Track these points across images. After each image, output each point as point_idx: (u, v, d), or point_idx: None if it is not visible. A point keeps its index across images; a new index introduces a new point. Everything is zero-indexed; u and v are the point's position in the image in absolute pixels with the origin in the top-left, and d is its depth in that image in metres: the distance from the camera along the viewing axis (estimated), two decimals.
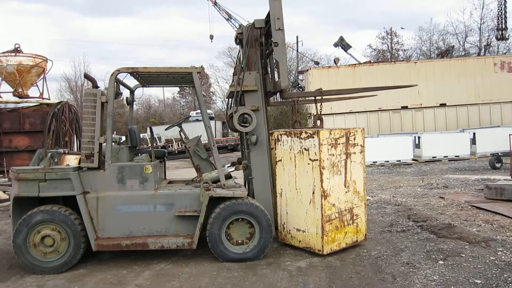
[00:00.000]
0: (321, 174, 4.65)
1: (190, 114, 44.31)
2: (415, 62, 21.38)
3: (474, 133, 17.05)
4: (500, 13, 16.13)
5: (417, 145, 16.81)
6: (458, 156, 16.29)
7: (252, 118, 5.09)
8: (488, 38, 30.84)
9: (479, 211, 6.67)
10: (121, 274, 4.45)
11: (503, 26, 15.98)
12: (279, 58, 4.90)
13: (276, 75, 5.56)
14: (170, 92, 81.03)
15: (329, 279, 4.06)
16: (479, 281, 3.78)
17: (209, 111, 46.40)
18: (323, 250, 4.68)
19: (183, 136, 5.82)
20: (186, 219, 4.82)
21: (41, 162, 4.98)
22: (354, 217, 5.04)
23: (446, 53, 23.93)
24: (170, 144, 32.43)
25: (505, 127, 18.16)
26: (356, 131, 5.07)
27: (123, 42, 74.28)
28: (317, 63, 37.79)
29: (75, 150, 12.93)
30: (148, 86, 5.96)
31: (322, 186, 4.66)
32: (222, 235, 4.72)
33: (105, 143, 4.74)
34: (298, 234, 5.00)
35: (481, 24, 31.84)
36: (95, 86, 4.87)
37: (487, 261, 4.31)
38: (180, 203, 4.82)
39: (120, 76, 4.94)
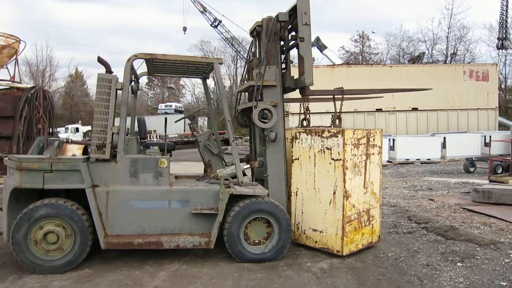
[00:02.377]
0: (344, 174, 4.58)
1: (159, 106, 43.23)
2: (391, 66, 22.05)
3: (444, 138, 17.83)
4: (501, 22, 16.84)
5: (391, 147, 17.32)
6: (429, 159, 16.98)
7: (272, 114, 4.92)
8: (454, 47, 32.50)
9: (472, 213, 6.91)
10: (134, 275, 4.15)
11: (504, 36, 16.69)
12: (304, 53, 4.76)
13: (288, 71, 5.39)
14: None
15: (357, 281, 4.00)
16: (504, 283, 3.88)
17: (178, 105, 45.66)
18: (342, 251, 4.62)
19: (193, 129, 5.54)
20: (202, 217, 4.57)
21: (46, 151, 4.54)
22: (371, 218, 5.03)
23: (417, 59, 24.88)
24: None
25: (472, 133, 19.21)
26: (376, 132, 5.05)
27: (88, 28, 70.97)
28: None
29: None
30: (156, 75, 5.62)
31: (344, 186, 4.59)
32: (241, 234, 4.53)
33: (117, 134, 4.39)
34: (314, 235, 4.91)
35: (448, 33, 33.45)
36: (108, 71, 4.49)
37: (503, 263, 4.44)
38: (196, 200, 4.57)
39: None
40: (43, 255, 4.17)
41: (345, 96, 5.20)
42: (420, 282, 3.98)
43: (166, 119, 5.00)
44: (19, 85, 11.96)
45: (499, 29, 17.01)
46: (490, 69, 20.38)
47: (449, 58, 31.92)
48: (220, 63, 4.73)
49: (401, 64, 27.53)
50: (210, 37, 63.68)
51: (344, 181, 4.59)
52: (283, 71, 5.26)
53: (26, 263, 4.12)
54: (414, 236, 5.59)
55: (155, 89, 52.04)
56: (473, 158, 13.48)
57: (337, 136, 4.64)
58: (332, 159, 4.69)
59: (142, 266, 4.39)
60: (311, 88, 4.94)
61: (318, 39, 27.80)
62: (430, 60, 31.33)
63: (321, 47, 28.03)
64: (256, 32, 5.37)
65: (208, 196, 4.60)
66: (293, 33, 5.14)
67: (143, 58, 4.52)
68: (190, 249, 4.66)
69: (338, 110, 5.19)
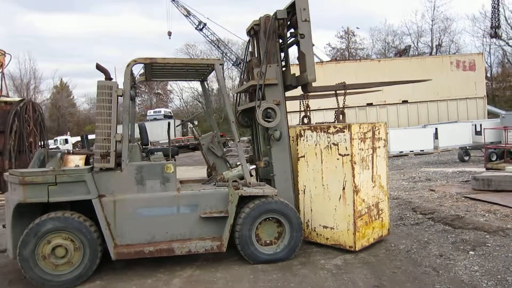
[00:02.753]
0: (353, 169, 4.57)
1: (148, 113, 42.83)
2: (379, 60, 22.23)
3: (436, 129, 18.05)
4: (493, 11, 17.05)
5: None
6: (423, 150, 17.16)
7: (276, 113, 4.88)
8: (439, 39, 32.96)
9: (475, 202, 6.97)
10: (147, 284, 4.06)
11: (497, 24, 16.89)
12: (305, 50, 4.74)
13: (288, 68, 5.36)
14: None
15: (374, 275, 3.98)
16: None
17: (167, 110, 45.32)
18: (355, 247, 4.60)
19: (195, 132, 5.46)
20: (211, 220, 4.50)
21: (48, 163, 4.42)
22: (380, 212, 5.02)
23: (403, 52, 25.13)
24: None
25: (462, 122, 19.46)
26: (380, 125, 5.04)
27: (70, 39, 70.08)
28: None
29: None
30: (154, 80, 5.53)
31: (354, 181, 4.57)
32: (252, 236, 4.47)
33: (121, 141, 4.30)
34: (325, 232, 4.88)
35: (432, 25, 33.89)
36: (108, 78, 4.40)
37: None
38: (205, 204, 4.50)
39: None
40: (52, 270, 4.05)
41: (347, 91, 5.19)
42: (436, 273, 3.97)
43: (169, 123, 4.93)
44: (7, 99, 11.68)
45: (492, 18, 17.33)
46: (476, 59, 20.69)
47: (434, 50, 32.40)
48: (221, 64, 4.68)
49: (389, 58, 27.79)
50: (196, 41, 63.35)
51: (353, 176, 4.57)
52: (283, 69, 5.23)
53: (35, 279, 4.00)
54: (422, 227, 5.61)
55: (143, 95, 51.56)
56: (467, 147, 13.64)
57: (343, 131, 4.61)
58: (340, 154, 4.66)
59: (154, 275, 4.30)
60: (313, 84, 4.91)
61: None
62: (416, 53, 31.78)
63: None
64: (253, 31, 5.32)
65: (217, 199, 4.54)
66: (292, 30, 5.11)
67: (142, 63, 4.43)
68: (201, 253, 4.59)
69: (341, 106, 5.17)
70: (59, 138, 32.29)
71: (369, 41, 44.78)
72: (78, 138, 31.64)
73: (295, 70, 5.14)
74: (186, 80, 5.76)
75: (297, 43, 4.99)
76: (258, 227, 4.55)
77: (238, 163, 5.75)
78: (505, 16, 26.67)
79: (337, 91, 5.23)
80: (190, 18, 37.85)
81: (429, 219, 6.00)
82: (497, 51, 30.21)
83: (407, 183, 9.60)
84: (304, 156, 5.06)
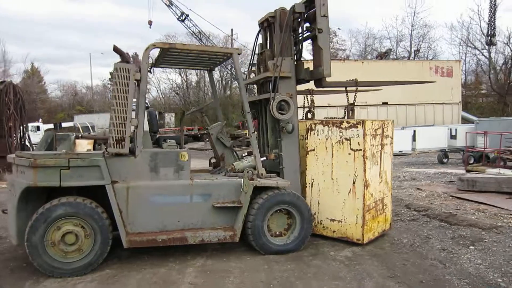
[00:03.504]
0: (365, 164, 4.67)
1: None
2: (362, 62, 22.67)
3: (414, 131, 18.65)
4: (490, 20, 17.62)
5: None
6: (401, 151, 17.68)
7: (290, 105, 4.91)
8: (418, 44, 34.08)
9: (462, 201, 7.28)
10: (161, 273, 4.00)
11: (492, 33, 17.48)
12: (323, 45, 4.79)
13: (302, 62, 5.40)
14: (99, 79, 75.64)
15: (385, 267, 4.10)
16: None
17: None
18: (363, 240, 4.71)
19: (205, 122, 5.40)
20: (223, 210, 4.49)
21: (59, 146, 4.25)
22: (384, 207, 5.17)
23: (384, 55, 25.78)
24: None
25: (438, 126, 20.22)
26: (388, 123, 5.18)
27: (44, 23, 67.13)
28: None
29: (19, 137, 11.43)
30: (162, 66, 5.42)
31: (365, 176, 4.67)
32: (264, 226, 4.50)
33: (136, 127, 4.20)
34: (332, 224, 4.97)
35: (412, 31, 34.95)
36: (125, 61, 4.27)
37: (510, 245, 4.71)
38: (218, 194, 4.48)
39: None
40: (61, 258, 3.92)
41: (350, 88, 5.31)
42: (443, 265, 4.14)
43: (184, 112, 4.84)
44: None
45: (488, 26, 18.05)
46: (454, 66, 21.54)
47: (412, 55, 33.48)
48: (239, 54, 4.64)
49: (371, 60, 28.41)
50: (176, 32, 62.23)
51: (365, 170, 4.67)
52: (295, 63, 5.26)
53: (43, 267, 3.85)
54: (419, 223, 5.81)
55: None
56: (447, 150, 14.19)
57: (357, 127, 4.71)
58: (352, 149, 4.75)
59: (165, 264, 4.24)
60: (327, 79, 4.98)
61: (114, 47, 28.01)
62: (395, 57, 32.68)
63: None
64: (267, 23, 5.32)
65: (229, 189, 4.53)
66: (307, 25, 5.14)
67: (161, 47, 4.34)
68: (209, 243, 4.55)
69: (351, 102, 5.28)
70: (30, 124, 30.87)
71: (348, 43, 45.67)
72: (51, 126, 30.42)
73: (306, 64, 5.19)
74: (194, 69, 5.69)
75: (312, 37, 5.03)
76: (269, 218, 4.58)
77: (244, 154, 5.76)
78: (480, 27, 28.00)
79: (348, 87, 5.32)
80: (172, 8, 37.10)
81: (424, 215, 6.23)
82: (472, 59, 31.80)
83: (393, 182, 9.85)
84: (313, 150, 5.12)
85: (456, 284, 3.65)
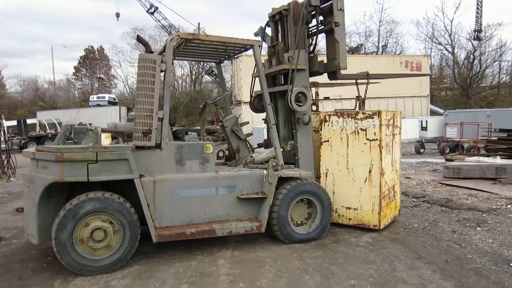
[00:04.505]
0: (381, 153, 4.84)
1: (90, 98, 40.25)
2: None
3: None
4: (477, 16, 18.28)
5: None
6: None
7: (306, 97, 4.99)
8: (385, 40, 35.28)
9: (452, 187, 7.71)
10: (193, 266, 3.97)
11: (479, 29, 18.10)
12: (339, 38, 4.90)
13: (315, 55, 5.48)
14: (63, 74, 72.21)
15: (408, 249, 4.30)
16: None
17: (112, 96, 42.92)
18: (379, 225, 4.90)
19: (219, 114, 5.37)
20: (247, 202, 4.52)
21: (84, 140, 4.08)
22: (395, 194, 5.39)
23: (356, 49, 26.47)
24: None
25: (409, 118, 21.10)
26: (398, 114, 5.40)
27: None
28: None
29: None
30: (177, 59, 5.32)
31: (381, 164, 4.85)
32: (288, 216, 4.57)
33: (161, 119, 4.12)
34: (347, 212, 5.12)
35: (379, 27, 36.10)
36: (149, 51, 4.17)
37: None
38: (242, 186, 4.50)
39: None
40: (90, 255, 3.79)
41: (359, 80, 5.48)
42: (459, 245, 4.40)
43: (205, 104, 4.78)
44: None
45: (476, 22, 18.96)
46: (423, 60, 22.52)
47: (380, 50, 34.63)
48: (260, 46, 4.66)
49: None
50: (144, 25, 60.58)
51: (381, 159, 4.85)
52: (309, 56, 5.33)
53: (72, 265, 3.71)
54: (422, 209, 6.11)
55: (83, 79, 48.24)
56: (424, 140, 14.87)
57: (373, 118, 4.87)
58: (368, 139, 4.91)
59: (194, 257, 4.22)
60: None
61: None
62: (364, 52, 33.67)
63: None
64: (279, 16, 5.36)
65: (253, 181, 4.56)
66: (321, 18, 5.22)
67: (185, 38, 4.27)
68: (230, 235, 4.55)
69: (360, 94, 5.44)
70: None
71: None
72: (13, 123, 28.81)
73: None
74: (204, 61, 5.62)
75: (327, 31, 5.12)
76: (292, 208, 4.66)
77: (255, 147, 5.79)
78: (444, 24, 29.32)
79: (358, 80, 5.47)
80: (141, 1, 36.06)
81: (424, 202, 6.54)
82: (436, 54, 33.46)
83: None
84: (328, 141, 5.24)
85: (479, 261, 3.90)
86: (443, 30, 31.89)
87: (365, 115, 4.93)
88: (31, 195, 3.93)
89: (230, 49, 4.98)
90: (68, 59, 65.87)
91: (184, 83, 44.53)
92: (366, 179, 4.96)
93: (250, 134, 5.54)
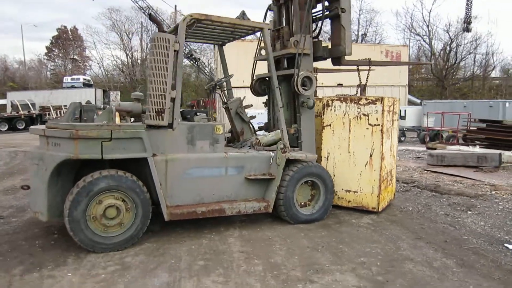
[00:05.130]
0: (382, 138, 5.02)
1: (64, 79, 38.83)
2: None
3: None
4: (467, 8, 18.59)
5: None
6: None
7: (312, 82, 5.08)
8: (365, 28, 35.72)
9: (438, 174, 8.08)
10: (204, 244, 4.04)
11: (469, 20, 18.46)
12: (345, 24, 4.99)
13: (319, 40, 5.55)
14: (34, 54, 68.96)
15: (407, 230, 4.53)
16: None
17: (86, 78, 41.56)
18: (378, 208, 5.11)
19: (224, 96, 5.38)
20: (255, 182, 4.61)
21: (97, 118, 4.02)
22: (392, 178, 5.61)
23: None
24: (47, 112, 28.12)
25: None
26: (396, 101, 5.58)
27: None
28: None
29: None
30: (188, 41, 5.28)
31: (382, 149, 5.04)
32: (294, 197, 4.70)
33: (173, 99, 4.11)
34: (347, 195, 5.30)
35: (359, 15, 36.46)
36: (162, 30, 4.12)
37: (498, 209, 5.43)
38: (250, 166, 4.58)
39: None
40: (102, 232, 3.79)
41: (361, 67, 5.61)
42: (454, 227, 4.67)
43: (214, 85, 4.78)
44: None
45: (465, 13, 19.32)
46: (402, 50, 22.99)
47: (360, 39, 35.07)
48: (269, 29, 4.68)
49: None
50: (120, 6, 58.49)
51: (382, 144, 5.03)
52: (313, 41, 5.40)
53: (85, 242, 3.70)
54: (413, 193, 6.39)
55: (56, 60, 46.31)
56: (404, 129, 15.34)
57: (375, 103, 5.02)
58: (370, 124, 5.08)
59: (203, 235, 4.28)
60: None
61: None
62: None
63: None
64: (283, 0, 5.38)
65: (260, 162, 4.64)
66: (326, 4, 5.28)
67: (197, 19, 4.23)
68: (231, 216, 4.63)
69: (362, 80, 5.59)
70: None
71: None
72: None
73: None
74: (210, 43, 5.58)
75: (332, 16, 5.19)
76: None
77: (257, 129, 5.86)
78: (422, 15, 29.87)
79: (359, 66, 5.61)
80: None
81: (414, 187, 6.84)
82: (415, 45, 34.26)
83: None
84: (330, 125, 5.38)
85: (474, 242, 4.17)
86: (421, 21, 32.67)
87: (368, 100, 5.08)
88: (40, 172, 3.86)
89: (237, 32, 4.98)
90: (39, 39, 62.82)
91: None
92: (367, 163, 5.14)
93: (253, 117, 5.59)
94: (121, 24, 42.04)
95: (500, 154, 8.62)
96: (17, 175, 7.93)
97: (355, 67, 6.01)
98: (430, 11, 36.84)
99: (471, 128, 12.17)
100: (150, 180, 4.04)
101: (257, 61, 5.97)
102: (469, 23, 18.07)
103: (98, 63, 45.67)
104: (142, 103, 4.64)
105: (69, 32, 45.80)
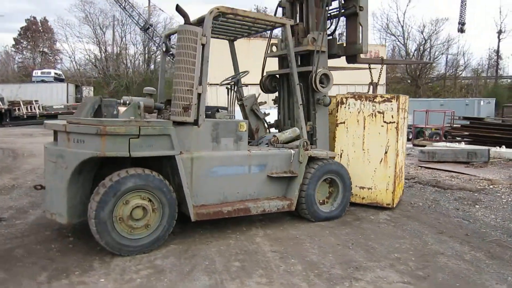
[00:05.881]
0: (397, 135, 5.09)
1: (34, 73, 37.07)
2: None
3: None
4: (462, 9, 19.20)
5: None
6: None
7: (329, 79, 5.06)
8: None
9: (432, 170, 8.31)
10: (232, 244, 3.93)
11: (463, 21, 19.10)
12: (363, 22, 5.00)
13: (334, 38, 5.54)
14: (0, 45, 65.36)
15: (427, 225, 4.61)
16: None
17: (58, 72, 39.84)
18: (393, 204, 5.18)
19: (239, 94, 5.27)
20: (275, 180, 4.55)
21: (123, 113, 3.80)
22: (402, 174, 5.70)
23: None
24: (17, 107, 26.75)
25: None
26: (407, 99, 5.67)
27: None
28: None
29: None
30: None
31: (397, 146, 5.10)
32: (315, 195, 4.67)
33: (199, 94, 3.97)
34: (361, 192, 5.34)
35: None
36: (188, 22, 3.95)
37: (503, 202, 5.64)
38: (272, 164, 4.51)
39: None
40: (129, 234, 3.61)
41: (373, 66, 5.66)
42: (467, 221, 4.81)
43: (236, 82, 4.64)
44: None
45: (460, 15, 19.84)
46: (380, 49, 23.49)
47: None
48: (292, 25, 4.62)
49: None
50: None
51: (397, 141, 5.09)
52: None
53: (111, 245, 3.50)
54: (418, 189, 6.53)
55: (24, 52, 44.09)
56: None
57: (391, 101, 5.07)
58: (385, 122, 5.12)
59: (227, 236, 4.17)
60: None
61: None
62: None
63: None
64: None
65: (281, 160, 4.58)
66: (343, 2, 5.27)
67: (224, 12, 4.10)
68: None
69: (373, 79, 5.64)
70: None
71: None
72: None
73: None
74: (222, 38, 5.43)
75: (349, 14, 5.20)
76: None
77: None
78: (397, 16, 30.70)
79: (370, 64, 5.64)
80: None
81: (415, 183, 7.00)
82: (390, 44, 35.10)
83: None
84: (344, 123, 5.39)
85: (494, 234, 4.31)
86: (396, 21, 33.56)
87: (383, 98, 5.12)
88: (59, 171, 3.63)
89: (255, 27, 4.88)
90: (5, 29, 59.58)
91: (138, 62, 42.52)
92: (381, 160, 5.19)
93: (267, 114, 5.52)
94: (94, 17, 40.60)
95: (488, 150, 8.98)
96: (4, 173, 7.47)
97: (360, 65, 6.04)
98: (404, 12, 38.00)
99: (454, 125, 12.61)
100: (172, 179, 3.90)
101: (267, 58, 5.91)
102: (464, 24, 18.83)
103: (69, 57, 43.82)
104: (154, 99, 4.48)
105: (39, 24, 43.71)
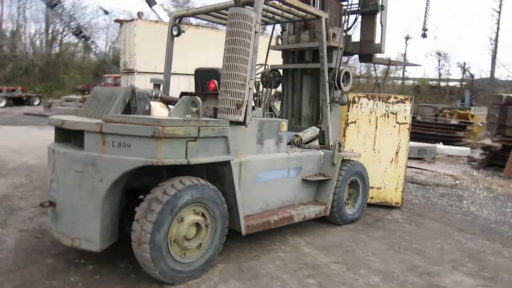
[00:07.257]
0: (409, 136, 5.18)
1: None
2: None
3: None
4: (425, 15, 20.77)
5: None
6: None
7: (349, 77, 4.90)
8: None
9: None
10: (284, 257, 3.55)
11: (425, 28, 20.81)
12: (384, 22, 4.93)
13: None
14: None
15: (444, 223, 4.78)
16: (508, 209, 5.51)
17: None
18: (401, 203, 5.29)
19: (257, 89, 4.79)
20: (307, 184, 4.27)
21: (173, 110, 3.07)
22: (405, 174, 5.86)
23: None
24: None
25: None
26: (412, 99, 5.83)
27: None
28: (106, 12, 33.76)
29: None
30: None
31: (407, 147, 5.20)
32: (344, 198, 4.50)
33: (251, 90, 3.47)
34: (370, 192, 5.31)
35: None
36: (239, 4, 3.37)
37: (482, 197, 6.18)
38: (306, 167, 4.22)
39: None
40: (181, 258, 2.99)
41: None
42: (471, 217, 5.13)
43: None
44: None
45: (424, 21, 20.77)
46: None
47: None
48: (326, 18, 4.32)
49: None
50: None
51: (408, 142, 5.19)
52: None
53: (166, 273, 2.86)
54: (407, 187, 6.74)
55: None
56: None
57: (404, 102, 5.14)
58: (397, 122, 5.18)
59: (270, 249, 3.74)
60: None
61: None
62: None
63: (150, 2, 26.27)
64: None
65: (313, 162, 4.33)
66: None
67: None
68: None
69: (379, 79, 5.67)
70: None
71: None
72: None
73: None
74: None
75: (367, 12, 5.09)
76: None
77: None
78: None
79: (375, 64, 5.67)
80: None
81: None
82: None
83: None
84: (355, 122, 5.31)
85: (503, 229, 4.66)
86: None
87: (397, 99, 5.17)
88: (88, 184, 2.84)
89: (285, 16, 4.47)
90: None
91: (39, 43, 37.40)
92: (392, 160, 5.24)
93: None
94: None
95: (435, 147, 9.86)
96: None
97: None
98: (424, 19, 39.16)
99: None
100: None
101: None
102: (426, 30, 20.48)
103: None
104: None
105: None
